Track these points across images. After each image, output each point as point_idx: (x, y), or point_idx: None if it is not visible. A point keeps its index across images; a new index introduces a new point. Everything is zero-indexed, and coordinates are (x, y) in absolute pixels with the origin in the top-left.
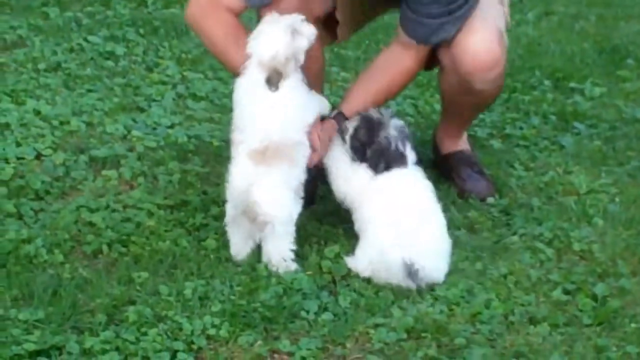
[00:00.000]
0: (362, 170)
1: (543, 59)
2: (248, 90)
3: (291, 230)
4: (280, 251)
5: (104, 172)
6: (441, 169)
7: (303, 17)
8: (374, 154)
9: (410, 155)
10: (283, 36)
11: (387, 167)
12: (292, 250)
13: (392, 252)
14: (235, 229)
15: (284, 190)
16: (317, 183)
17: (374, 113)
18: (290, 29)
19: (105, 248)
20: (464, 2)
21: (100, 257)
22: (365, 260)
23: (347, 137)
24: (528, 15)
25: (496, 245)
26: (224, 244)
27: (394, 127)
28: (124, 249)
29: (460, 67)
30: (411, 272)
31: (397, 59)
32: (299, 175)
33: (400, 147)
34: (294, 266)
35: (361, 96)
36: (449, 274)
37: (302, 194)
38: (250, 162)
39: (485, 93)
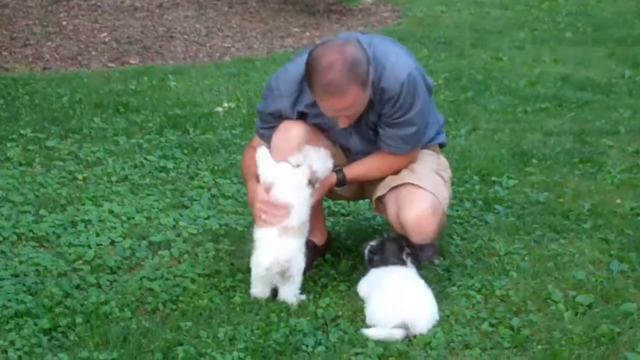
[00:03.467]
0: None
1: (472, 161)
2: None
3: (300, 279)
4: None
5: (159, 252)
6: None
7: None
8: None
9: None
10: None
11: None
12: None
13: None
14: (260, 281)
15: (300, 253)
16: (315, 255)
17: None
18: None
19: (161, 306)
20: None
21: (157, 313)
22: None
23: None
24: (461, 131)
25: (441, 293)
26: (247, 300)
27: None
28: (174, 306)
29: (398, 229)
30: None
31: (388, 158)
32: (304, 244)
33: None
34: (304, 296)
35: (358, 168)
36: None
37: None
38: (277, 236)
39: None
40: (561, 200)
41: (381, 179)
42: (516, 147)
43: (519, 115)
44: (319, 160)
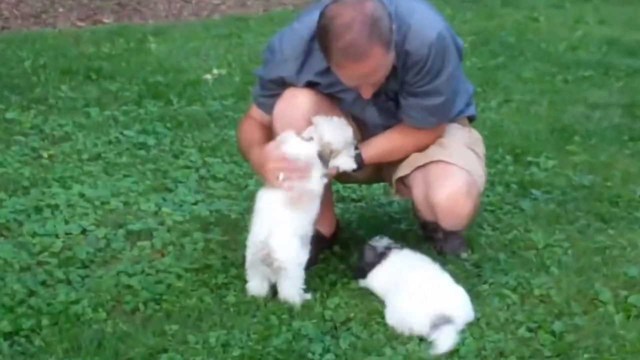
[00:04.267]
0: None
1: (504, 138)
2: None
3: (299, 274)
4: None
5: (139, 243)
6: (423, 231)
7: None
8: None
9: None
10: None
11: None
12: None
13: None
14: (253, 270)
15: (296, 238)
16: (321, 247)
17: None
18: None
19: (141, 306)
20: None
21: (137, 314)
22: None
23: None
24: (491, 103)
25: (469, 292)
26: (242, 299)
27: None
28: (157, 306)
29: (426, 213)
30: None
31: (412, 134)
32: (308, 225)
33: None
34: (308, 296)
35: (377, 149)
36: None
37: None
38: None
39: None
40: (609, 184)
41: (402, 158)
42: (555, 121)
43: (558, 84)
44: (333, 129)
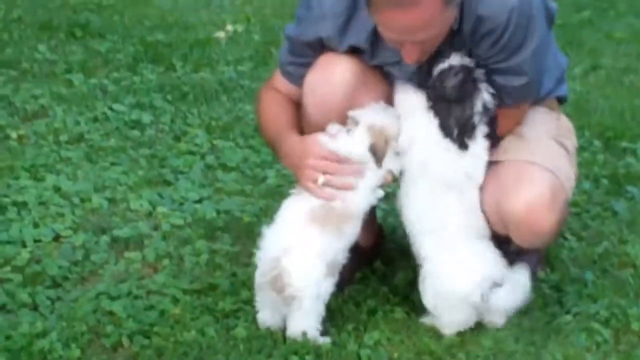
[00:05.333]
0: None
1: (592, 117)
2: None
3: (317, 307)
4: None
5: (126, 254)
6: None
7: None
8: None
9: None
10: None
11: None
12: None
13: None
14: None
15: (318, 261)
16: (359, 262)
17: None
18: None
19: (125, 340)
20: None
21: (120, 351)
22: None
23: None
24: (575, 71)
25: (549, 325)
26: (255, 333)
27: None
28: (146, 341)
29: (497, 225)
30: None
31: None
32: (340, 251)
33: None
34: (327, 339)
35: None
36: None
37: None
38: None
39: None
40: None
41: None
42: None
43: None
44: (381, 114)
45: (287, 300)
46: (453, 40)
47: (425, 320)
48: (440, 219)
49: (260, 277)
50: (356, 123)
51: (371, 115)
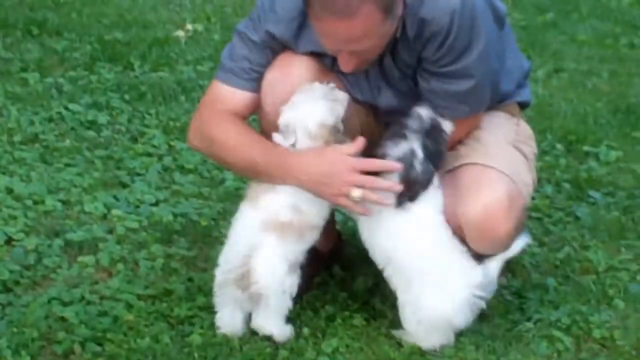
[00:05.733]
0: None
1: (554, 121)
2: None
3: (283, 304)
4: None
5: (79, 259)
6: None
7: (332, 84)
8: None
9: None
10: (324, 104)
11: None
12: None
13: None
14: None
15: (283, 260)
16: (317, 267)
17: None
18: (329, 96)
19: (77, 347)
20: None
21: (71, 358)
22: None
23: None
24: (537, 73)
25: (510, 333)
26: (211, 340)
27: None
28: (98, 348)
29: (454, 230)
30: None
31: None
32: (301, 253)
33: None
34: (289, 329)
35: None
36: None
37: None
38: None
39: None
40: None
41: None
42: (619, 99)
43: (622, 50)
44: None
45: (253, 298)
46: (397, 47)
47: (403, 336)
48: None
49: (224, 274)
50: (293, 132)
51: (302, 116)
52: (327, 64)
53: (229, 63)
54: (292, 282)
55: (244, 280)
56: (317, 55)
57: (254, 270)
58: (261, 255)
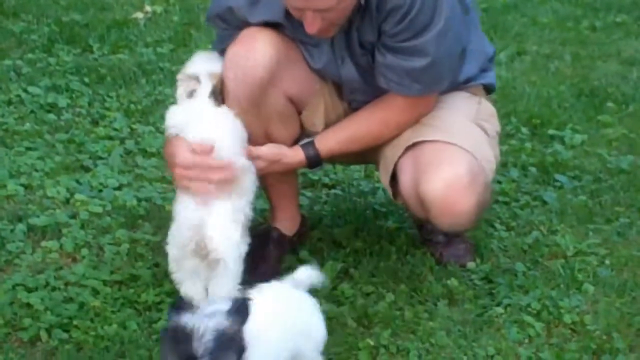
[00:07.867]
0: None
1: (518, 104)
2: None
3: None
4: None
5: (43, 244)
6: (418, 233)
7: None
8: None
9: None
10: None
11: None
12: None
13: None
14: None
15: (234, 224)
16: (283, 249)
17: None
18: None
19: (44, 334)
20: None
21: (38, 345)
22: None
23: None
24: (500, 56)
25: (480, 318)
26: None
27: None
28: (65, 335)
29: (416, 208)
30: None
31: (389, 107)
32: (248, 207)
33: None
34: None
35: (337, 135)
36: (429, 353)
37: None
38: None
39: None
40: None
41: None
42: (583, 82)
43: (584, 32)
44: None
45: (212, 265)
46: (364, 14)
47: None
48: None
49: (179, 248)
50: (196, 79)
51: (204, 65)
52: (288, 34)
53: (218, 47)
54: (244, 247)
55: (202, 249)
56: (276, 26)
57: (211, 238)
58: (214, 222)
